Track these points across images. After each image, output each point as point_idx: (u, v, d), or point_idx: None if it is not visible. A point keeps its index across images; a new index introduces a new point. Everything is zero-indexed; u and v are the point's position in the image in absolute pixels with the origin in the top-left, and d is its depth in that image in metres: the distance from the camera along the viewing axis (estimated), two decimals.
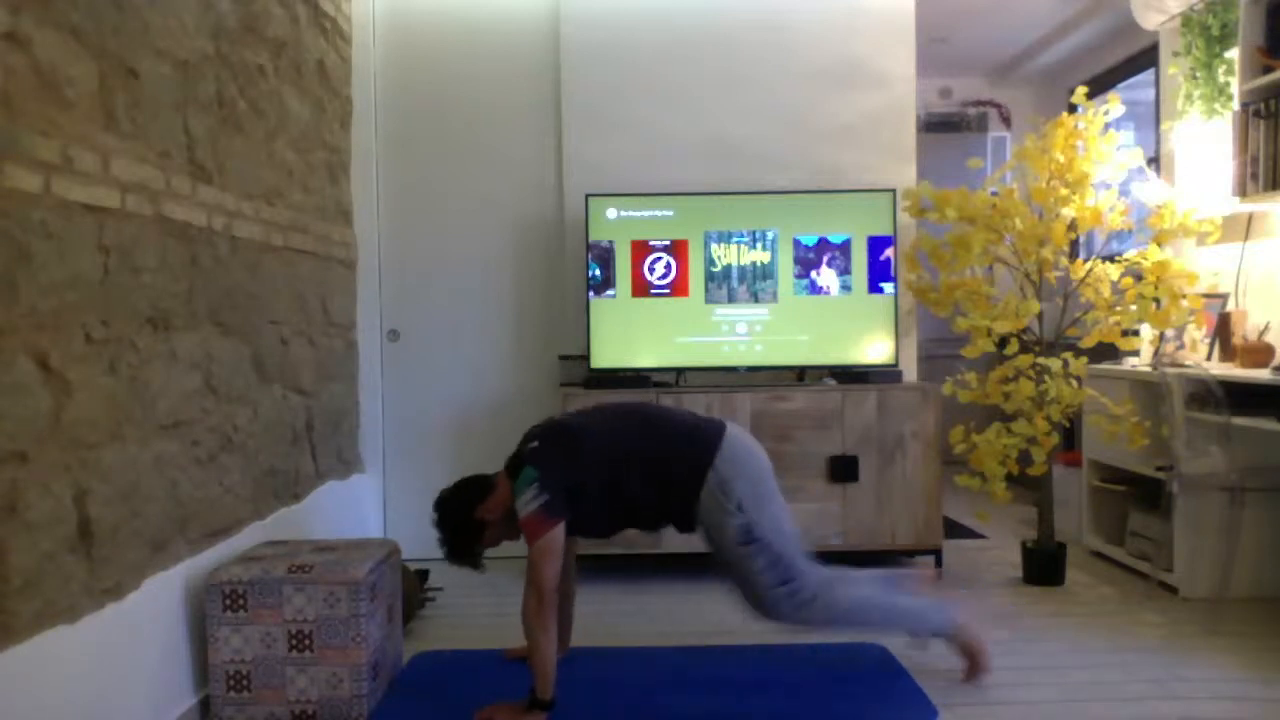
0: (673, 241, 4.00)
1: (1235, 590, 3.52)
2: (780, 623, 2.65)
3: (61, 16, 2.00)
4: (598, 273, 3.98)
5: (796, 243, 4.00)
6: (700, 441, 2.63)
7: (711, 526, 2.62)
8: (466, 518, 2.65)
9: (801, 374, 4.05)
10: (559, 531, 2.51)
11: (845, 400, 3.80)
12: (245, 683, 2.48)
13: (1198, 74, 3.94)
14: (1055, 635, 3.17)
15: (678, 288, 4.00)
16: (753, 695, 2.66)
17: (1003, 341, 3.82)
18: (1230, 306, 3.78)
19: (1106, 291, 3.83)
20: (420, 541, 4.25)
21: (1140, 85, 5.21)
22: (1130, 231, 4.16)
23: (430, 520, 2.68)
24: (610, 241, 3.99)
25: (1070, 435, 4.88)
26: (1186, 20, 4.00)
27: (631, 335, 3.98)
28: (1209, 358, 3.74)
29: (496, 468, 4.31)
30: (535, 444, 2.60)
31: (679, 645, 3.09)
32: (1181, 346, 3.87)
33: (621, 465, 2.60)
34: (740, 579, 2.64)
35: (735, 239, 4.00)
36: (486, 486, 2.69)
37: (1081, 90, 3.95)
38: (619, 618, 3.37)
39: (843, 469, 3.78)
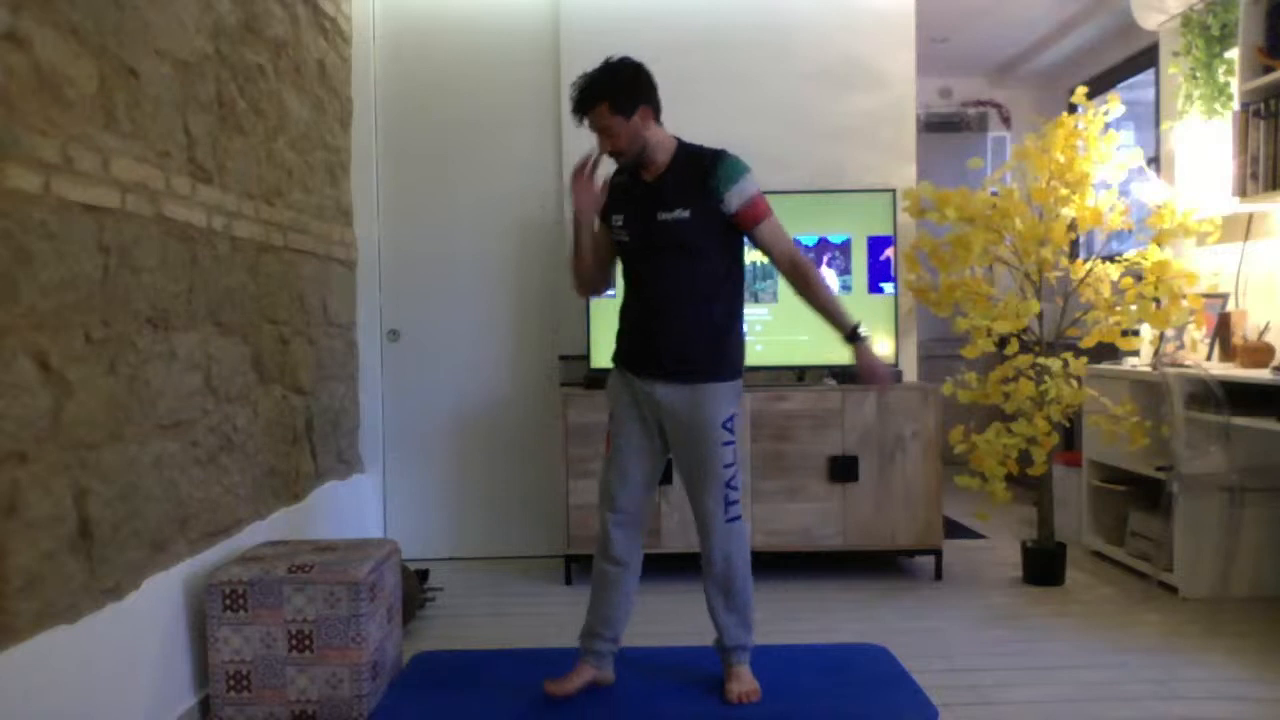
0: None
1: (1235, 590, 3.52)
2: (713, 533, 2.64)
3: (61, 16, 2.00)
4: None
5: (796, 243, 3.99)
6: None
7: (706, 405, 2.61)
8: (640, 90, 2.71)
9: (801, 374, 4.05)
10: None
11: (845, 400, 3.80)
12: (245, 683, 2.48)
13: (1198, 74, 3.94)
14: (1055, 635, 3.17)
15: None
16: None
17: (1003, 341, 3.82)
18: (1230, 306, 3.78)
19: (1106, 291, 3.83)
20: (420, 541, 4.27)
21: (1140, 85, 5.21)
22: (1130, 231, 4.17)
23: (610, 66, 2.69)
24: None
25: (1070, 435, 4.88)
26: (1186, 20, 4.00)
27: None
28: (1209, 358, 3.74)
29: (497, 468, 4.33)
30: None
31: (679, 645, 3.09)
32: (1181, 346, 3.87)
33: (741, 275, 2.74)
34: (705, 472, 2.63)
35: None
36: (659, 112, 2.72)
37: (1081, 90, 3.95)
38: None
39: (843, 469, 3.78)
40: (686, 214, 2.59)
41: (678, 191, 2.61)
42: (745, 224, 2.61)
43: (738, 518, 2.65)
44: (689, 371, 2.62)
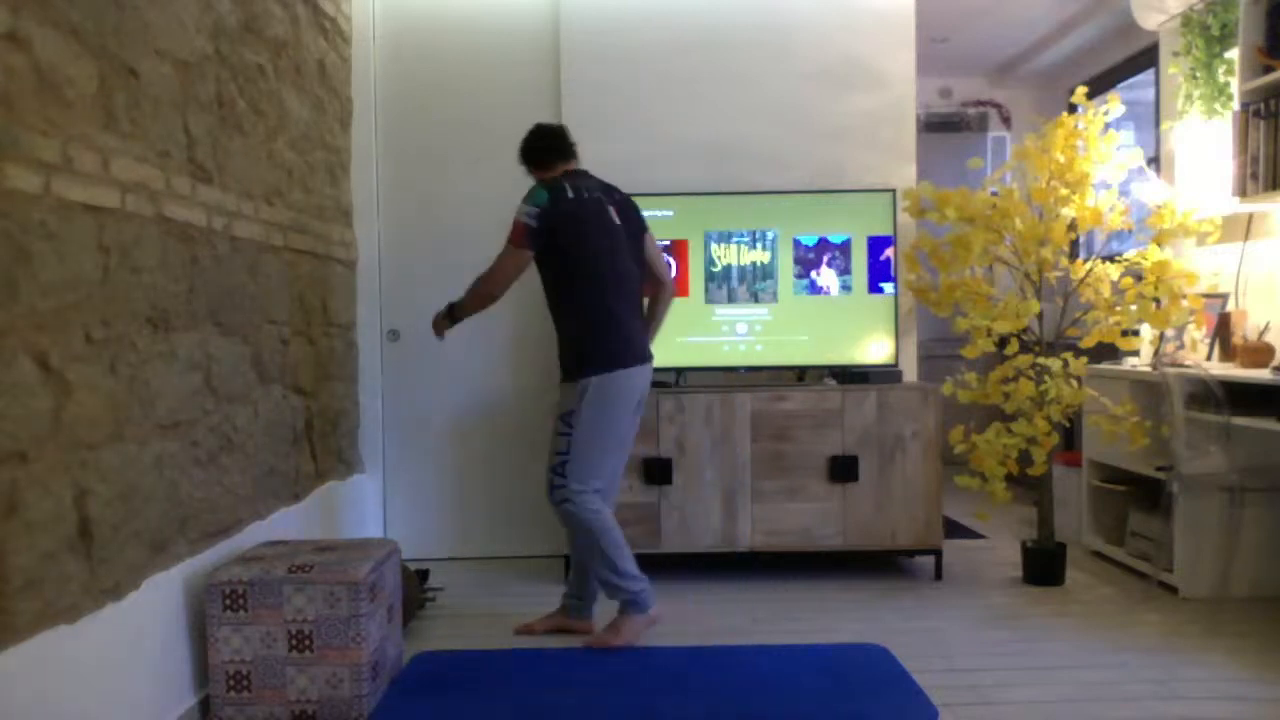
0: (673, 241, 4.00)
1: (1235, 590, 3.52)
2: (550, 499, 3.15)
3: (61, 16, 2.00)
4: None
5: (796, 243, 4.01)
6: (616, 354, 3.06)
7: (560, 397, 3.14)
8: (535, 151, 3.23)
9: (801, 374, 4.05)
10: (527, 257, 3.06)
11: (845, 400, 3.80)
12: (245, 683, 2.49)
13: (1198, 74, 3.94)
14: (1055, 635, 3.17)
15: (678, 288, 4.00)
16: (753, 695, 2.67)
17: (1003, 341, 3.82)
18: (1230, 306, 3.78)
19: (1106, 291, 3.83)
20: (420, 541, 4.27)
21: (1140, 85, 5.21)
22: (1130, 231, 4.17)
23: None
24: None
25: (1070, 435, 4.88)
26: (1186, 20, 4.00)
27: None
28: (1209, 358, 3.74)
29: (497, 468, 4.33)
30: (565, 188, 3.07)
31: (679, 645, 3.09)
32: (1181, 346, 3.87)
33: (579, 285, 3.08)
34: (552, 446, 3.15)
35: (735, 239, 4.00)
36: (553, 159, 3.20)
37: (1081, 90, 3.95)
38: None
39: (843, 469, 3.78)
40: None
41: None
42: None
43: (564, 500, 3.07)
44: (561, 369, 3.16)
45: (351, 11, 4.09)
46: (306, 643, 2.49)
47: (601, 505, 3.09)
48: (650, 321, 3.32)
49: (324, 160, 3.68)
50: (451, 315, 3.20)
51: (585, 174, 3.21)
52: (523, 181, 4.26)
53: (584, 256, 3.06)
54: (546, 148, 3.21)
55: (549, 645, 3.12)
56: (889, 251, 4.00)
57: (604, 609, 3.31)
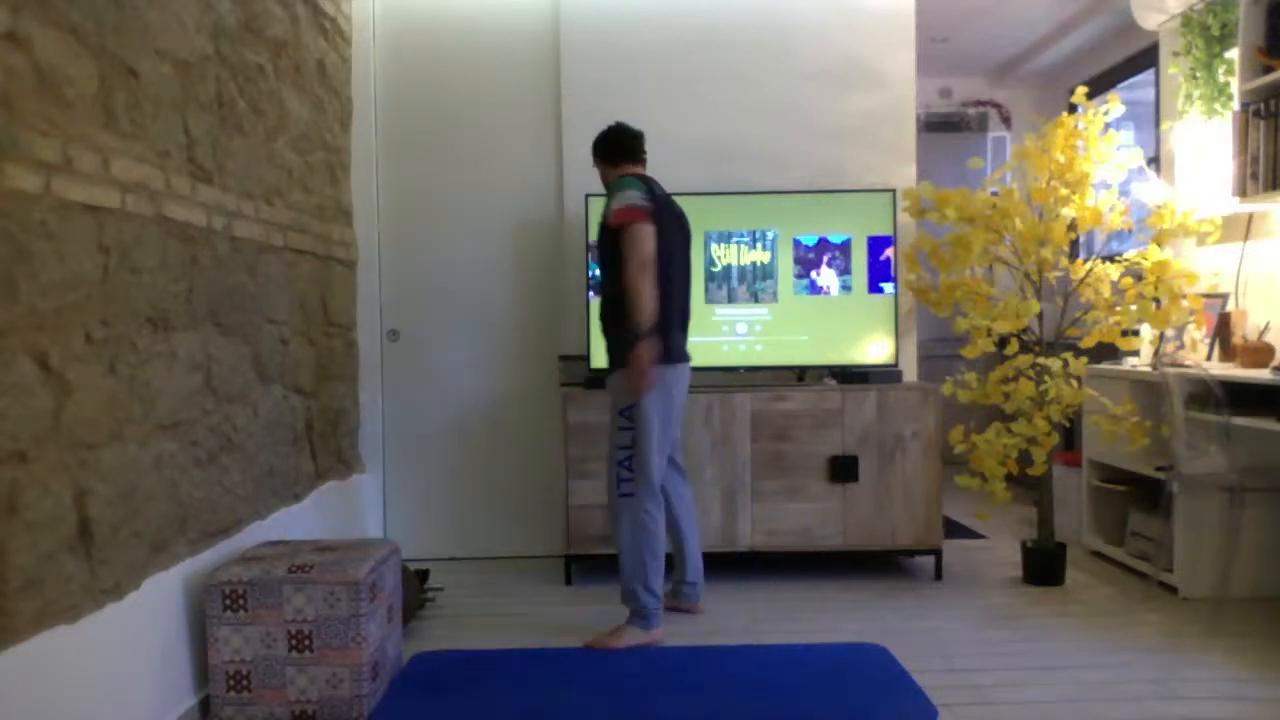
0: None
1: (1235, 590, 3.52)
2: (608, 494, 3.20)
3: (61, 16, 2.00)
4: (597, 273, 3.97)
5: (796, 243, 4.00)
6: (670, 349, 3.11)
7: (611, 391, 3.18)
8: (610, 144, 3.29)
9: (801, 374, 4.05)
10: (652, 231, 3.02)
11: (845, 400, 3.80)
12: (245, 683, 2.49)
13: (1198, 74, 3.94)
14: (1055, 635, 3.17)
15: None
16: (753, 695, 2.67)
17: (1003, 341, 3.82)
18: (1230, 306, 3.78)
19: (1106, 291, 3.83)
20: (420, 541, 4.27)
21: (1140, 85, 5.21)
22: (1130, 231, 4.17)
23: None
24: None
25: (1070, 435, 4.88)
26: (1186, 20, 4.00)
27: None
28: (1209, 358, 3.74)
29: (497, 468, 4.33)
30: (650, 185, 3.15)
31: (679, 645, 3.09)
32: (1181, 346, 3.87)
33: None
34: (610, 437, 3.20)
35: (735, 239, 4.00)
36: (622, 158, 3.26)
37: (1081, 90, 3.95)
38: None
39: (843, 469, 3.78)
40: (596, 237, 3.25)
41: (602, 218, 3.19)
42: (614, 228, 3.07)
43: (628, 495, 3.11)
44: (609, 360, 3.19)
45: (351, 11, 4.09)
46: (306, 643, 2.49)
47: (658, 512, 3.12)
48: None
49: (324, 160, 3.69)
50: (640, 338, 3.00)
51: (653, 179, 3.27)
52: (521, 182, 4.30)
53: (660, 254, 3.08)
54: (626, 146, 3.27)
55: (549, 645, 3.12)
56: (889, 251, 4.00)
57: (615, 609, 3.31)
